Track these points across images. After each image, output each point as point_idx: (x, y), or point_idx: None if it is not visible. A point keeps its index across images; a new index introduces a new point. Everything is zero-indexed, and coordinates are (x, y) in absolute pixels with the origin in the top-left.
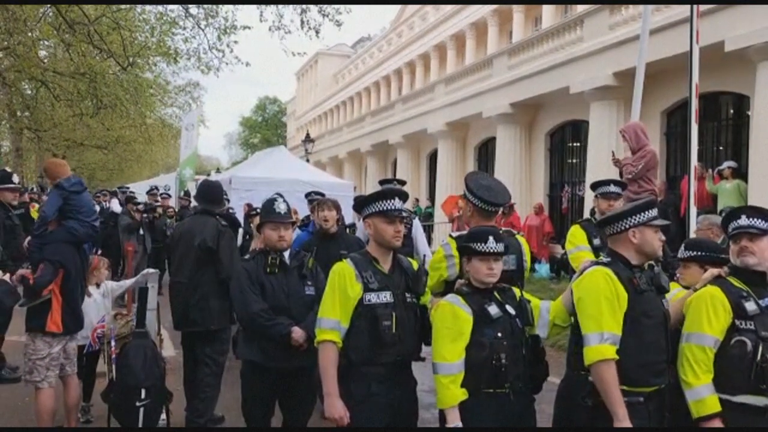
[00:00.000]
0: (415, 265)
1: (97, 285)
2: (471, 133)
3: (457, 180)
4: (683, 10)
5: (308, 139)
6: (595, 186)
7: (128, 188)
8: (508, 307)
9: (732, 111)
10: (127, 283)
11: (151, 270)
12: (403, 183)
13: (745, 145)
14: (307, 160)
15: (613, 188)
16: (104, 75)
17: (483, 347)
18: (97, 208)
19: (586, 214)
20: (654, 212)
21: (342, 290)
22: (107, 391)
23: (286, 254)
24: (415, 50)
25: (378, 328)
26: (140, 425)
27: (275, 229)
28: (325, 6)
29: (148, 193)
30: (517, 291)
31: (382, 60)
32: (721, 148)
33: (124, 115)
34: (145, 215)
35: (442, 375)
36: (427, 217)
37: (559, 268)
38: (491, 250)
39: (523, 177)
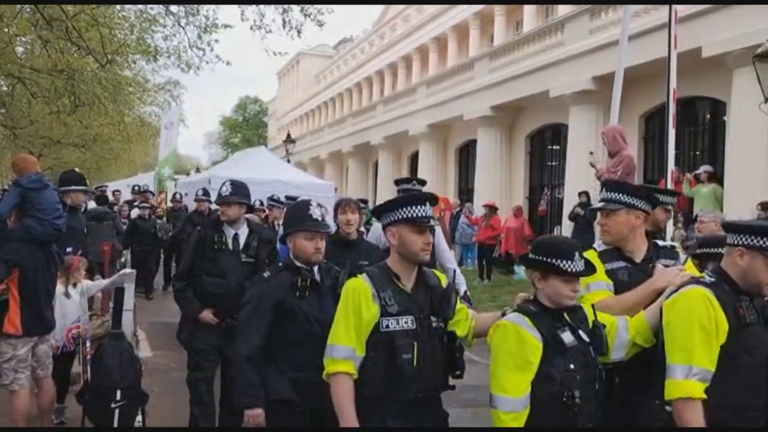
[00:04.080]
0: (444, 282)
1: (74, 285)
2: (452, 135)
3: (439, 182)
4: (662, 15)
5: (289, 140)
6: None
7: (106, 187)
8: (581, 333)
9: (709, 116)
10: (103, 282)
11: (127, 270)
12: (423, 183)
13: (721, 150)
14: (288, 161)
15: (669, 198)
16: (82, 72)
17: (552, 381)
18: (93, 204)
19: (565, 217)
20: None
21: (356, 312)
22: (82, 393)
23: (315, 269)
24: (397, 52)
25: (396, 361)
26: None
27: (311, 239)
28: (307, 6)
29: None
30: (589, 311)
31: (364, 61)
32: (698, 152)
33: (102, 113)
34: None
35: (503, 411)
36: None
37: None
38: (578, 270)
39: (503, 179)
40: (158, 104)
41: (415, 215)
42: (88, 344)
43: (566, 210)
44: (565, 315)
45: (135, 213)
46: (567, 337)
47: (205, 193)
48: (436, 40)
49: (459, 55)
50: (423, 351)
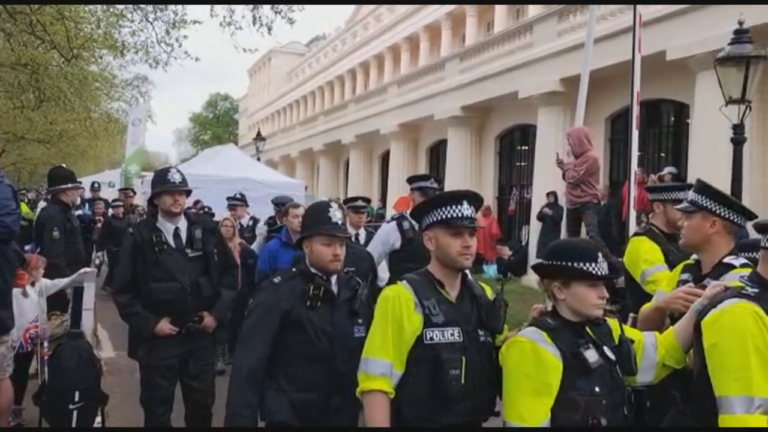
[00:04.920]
0: (489, 292)
1: (33, 284)
2: (423, 135)
3: None
4: (628, 19)
5: (259, 138)
6: (660, 190)
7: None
8: (606, 350)
9: (673, 118)
10: (63, 281)
11: (87, 269)
12: (439, 181)
13: (685, 152)
14: (258, 159)
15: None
16: (47, 67)
17: (576, 407)
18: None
19: (533, 217)
20: None
21: (397, 322)
22: (39, 394)
23: (333, 279)
24: (369, 51)
25: (443, 379)
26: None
27: (328, 245)
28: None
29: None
30: (614, 325)
31: (336, 59)
32: (662, 154)
33: (68, 109)
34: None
35: None
36: (379, 218)
37: (506, 269)
38: (604, 273)
39: (473, 179)
40: (126, 100)
41: (450, 216)
42: (45, 344)
43: (534, 210)
44: (588, 329)
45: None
46: (591, 355)
47: None
48: (408, 39)
49: (431, 55)
50: (471, 367)
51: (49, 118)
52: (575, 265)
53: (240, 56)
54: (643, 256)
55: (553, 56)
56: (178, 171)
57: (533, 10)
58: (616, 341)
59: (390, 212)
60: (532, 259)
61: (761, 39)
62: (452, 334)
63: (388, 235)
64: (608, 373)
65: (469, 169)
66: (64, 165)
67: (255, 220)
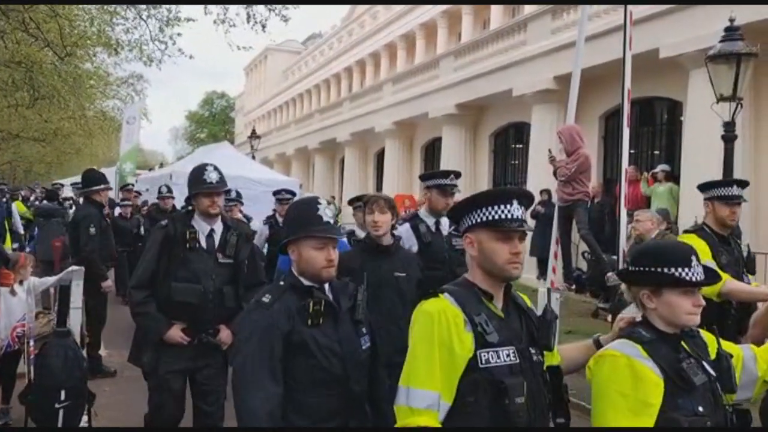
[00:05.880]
0: (529, 302)
1: (21, 282)
2: (418, 133)
3: (404, 179)
4: (621, 17)
5: (254, 136)
6: (708, 187)
7: (61, 185)
8: (706, 365)
9: (666, 116)
10: (51, 280)
11: (75, 267)
12: (458, 175)
13: (678, 149)
14: (253, 157)
15: (736, 190)
16: (41, 65)
17: (679, 429)
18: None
19: (527, 215)
20: None
21: (445, 345)
22: (25, 393)
23: (326, 287)
24: (365, 49)
25: (507, 410)
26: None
27: (321, 248)
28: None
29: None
30: (709, 337)
31: (333, 57)
32: (656, 151)
33: (62, 107)
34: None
35: None
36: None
37: None
38: (699, 279)
39: (467, 177)
40: (121, 98)
41: (498, 216)
42: (32, 343)
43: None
44: (683, 342)
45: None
46: (693, 371)
47: (169, 189)
48: (405, 37)
49: (427, 53)
50: (532, 394)
51: (43, 116)
52: (666, 270)
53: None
54: None
55: (546, 54)
56: (216, 169)
57: (529, 8)
58: (713, 355)
59: None
60: (526, 258)
61: (752, 37)
62: (508, 355)
63: (404, 240)
64: (710, 391)
65: (464, 167)
66: (95, 167)
67: (248, 219)
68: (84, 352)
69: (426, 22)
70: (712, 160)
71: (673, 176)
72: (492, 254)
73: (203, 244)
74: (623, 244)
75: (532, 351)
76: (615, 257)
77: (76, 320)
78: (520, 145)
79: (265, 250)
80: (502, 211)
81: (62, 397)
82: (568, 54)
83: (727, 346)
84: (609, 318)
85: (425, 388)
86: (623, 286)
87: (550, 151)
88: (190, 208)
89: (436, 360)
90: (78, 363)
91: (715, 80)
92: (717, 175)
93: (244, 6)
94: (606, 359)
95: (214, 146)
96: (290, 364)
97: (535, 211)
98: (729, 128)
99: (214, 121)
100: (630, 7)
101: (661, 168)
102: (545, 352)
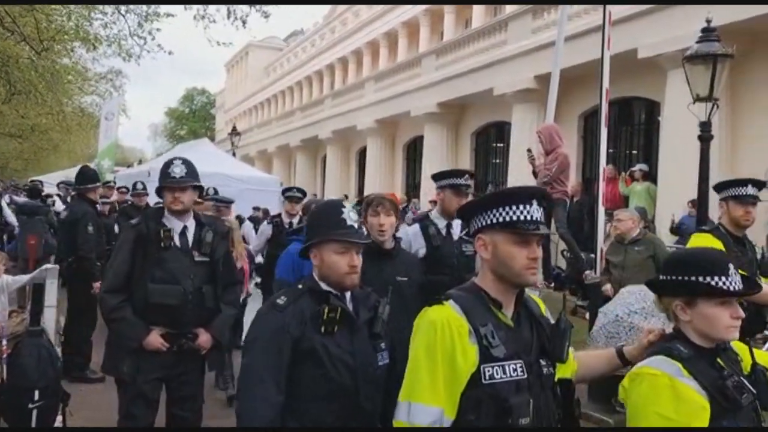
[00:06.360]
0: (543, 308)
1: None
2: (400, 131)
3: (386, 177)
4: (600, 17)
5: (234, 132)
6: (723, 187)
7: (40, 182)
8: (744, 381)
9: (644, 116)
10: (24, 278)
11: (49, 266)
12: (473, 175)
13: (655, 149)
14: (234, 154)
15: (751, 189)
16: (17, 59)
17: None
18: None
19: None
20: None
21: (448, 357)
22: None
23: (347, 296)
24: (347, 46)
25: (510, 429)
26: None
27: (344, 254)
28: None
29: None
30: (741, 349)
31: (315, 55)
32: (634, 151)
33: (39, 102)
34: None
35: None
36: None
37: None
38: (738, 288)
39: None
40: (99, 94)
41: (516, 218)
42: (4, 342)
43: None
44: (718, 359)
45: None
46: (739, 390)
47: (145, 186)
48: (387, 35)
49: (409, 51)
50: (538, 411)
51: (20, 112)
52: (702, 279)
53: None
54: None
55: (527, 54)
56: (184, 162)
57: (510, 8)
58: (746, 369)
59: None
60: None
61: (728, 38)
62: (515, 370)
63: (411, 242)
64: (753, 410)
65: (446, 166)
66: (90, 165)
67: (241, 220)
68: (59, 351)
69: (408, 20)
70: (689, 160)
71: (651, 176)
72: (508, 258)
73: (177, 242)
74: (601, 243)
75: (543, 363)
76: (593, 255)
77: (50, 319)
78: (501, 144)
79: (264, 253)
80: (521, 212)
81: (36, 397)
82: (548, 54)
83: (761, 357)
84: (587, 316)
85: (428, 403)
86: (654, 297)
87: (529, 150)
88: (161, 204)
89: (440, 372)
90: (52, 362)
91: (691, 80)
92: (694, 174)
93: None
94: (644, 378)
95: (193, 143)
96: (297, 371)
97: None
98: (705, 128)
99: (194, 117)
100: (609, 7)
101: (639, 167)
102: (558, 364)
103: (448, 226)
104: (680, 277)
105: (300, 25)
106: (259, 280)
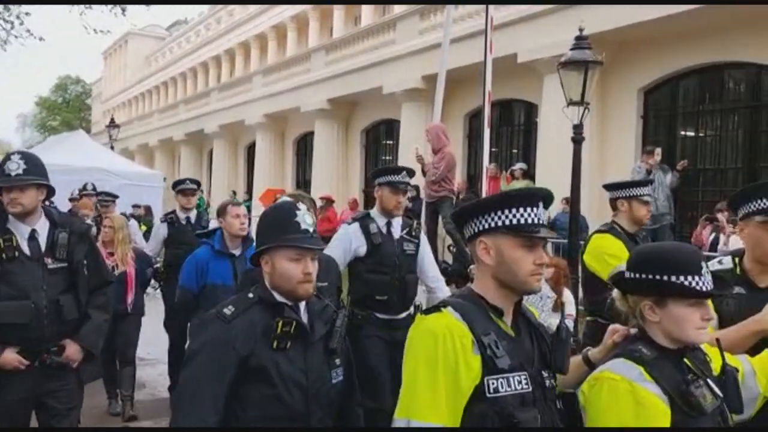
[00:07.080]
0: (537, 316)
1: None
2: (290, 127)
3: (276, 173)
4: (483, 21)
5: (113, 125)
6: (625, 186)
7: None
8: (711, 384)
9: (523, 117)
10: None
11: None
12: (411, 173)
13: (533, 149)
14: (112, 147)
15: (650, 190)
16: None
17: None
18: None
19: None
20: None
21: (451, 370)
22: None
23: (301, 307)
24: (234, 38)
25: None
26: None
27: (298, 260)
28: None
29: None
30: (710, 350)
31: (199, 45)
32: (514, 150)
33: None
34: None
35: None
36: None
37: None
38: (709, 289)
39: (339, 172)
40: None
41: (523, 221)
42: None
43: None
44: (686, 359)
45: None
46: (702, 393)
47: None
48: (275, 28)
49: (299, 46)
50: (545, 426)
51: None
52: (674, 279)
53: (94, 38)
54: (609, 251)
55: (415, 54)
56: (24, 158)
57: (398, 8)
58: (717, 371)
59: (256, 204)
60: None
61: (599, 46)
62: (519, 382)
63: (351, 240)
64: (720, 414)
65: (336, 162)
66: None
67: (127, 218)
68: None
69: (297, 14)
70: (563, 160)
71: (530, 174)
72: (514, 264)
73: (25, 249)
74: None
75: (545, 375)
76: None
77: None
78: (391, 142)
79: (162, 255)
80: (529, 215)
81: None
82: (435, 54)
83: (731, 359)
84: None
85: (429, 420)
86: (615, 294)
87: (417, 149)
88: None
89: (441, 387)
90: None
91: (565, 85)
92: (567, 173)
93: None
94: (604, 384)
95: (67, 134)
96: (243, 391)
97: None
98: (578, 130)
99: (68, 107)
100: (491, 12)
101: (519, 166)
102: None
103: (388, 225)
104: (650, 276)
105: (183, 15)
106: (158, 286)
